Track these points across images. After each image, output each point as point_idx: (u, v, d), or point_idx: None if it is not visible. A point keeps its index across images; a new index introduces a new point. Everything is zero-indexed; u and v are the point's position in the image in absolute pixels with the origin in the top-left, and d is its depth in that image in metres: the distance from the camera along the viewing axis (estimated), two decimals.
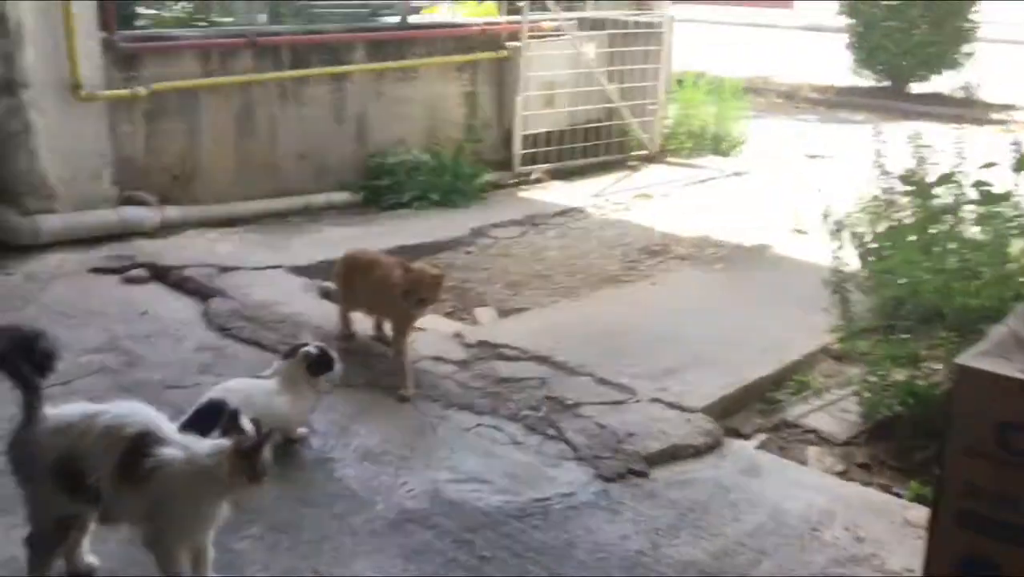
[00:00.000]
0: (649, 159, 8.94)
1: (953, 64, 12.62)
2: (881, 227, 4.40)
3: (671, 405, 3.81)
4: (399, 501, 3.16)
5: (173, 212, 5.93)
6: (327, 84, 6.87)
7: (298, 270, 5.17)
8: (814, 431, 3.91)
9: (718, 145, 9.51)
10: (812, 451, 3.77)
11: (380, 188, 7.04)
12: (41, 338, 2.59)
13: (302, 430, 3.51)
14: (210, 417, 3.11)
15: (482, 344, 4.31)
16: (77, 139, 5.46)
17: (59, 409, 2.59)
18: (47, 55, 5.20)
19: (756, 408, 4.09)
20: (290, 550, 2.87)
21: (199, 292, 4.80)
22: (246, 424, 2.66)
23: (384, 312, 4.21)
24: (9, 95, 5.00)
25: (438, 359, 4.17)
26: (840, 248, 4.70)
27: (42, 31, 5.15)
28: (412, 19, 8.25)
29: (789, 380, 4.26)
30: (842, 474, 3.59)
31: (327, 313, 4.53)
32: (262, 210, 6.41)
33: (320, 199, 6.79)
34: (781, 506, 3.21)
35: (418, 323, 4.34)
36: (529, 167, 8.05)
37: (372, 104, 7.21)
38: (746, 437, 3.84)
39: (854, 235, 4.60)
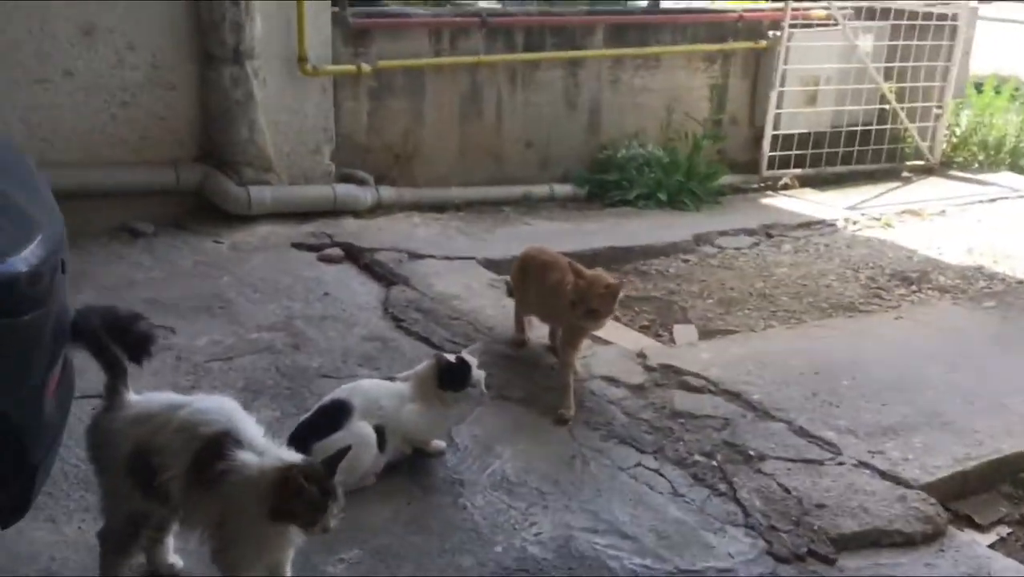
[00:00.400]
0: (927, 171, 7.81)
1: None
2: None
3: (883, 475, 3.06)
4: (522, 545, 2.71)
5: (387, 193, 5.83)
6: (560, 69, 6.51)
7: (490, 264, 4.85)
8: None
9: (1017, 161, 8.13)
10: None
11: (606, 183, 6.60)
12: (138, 321, 2.40)
13: (439, 444, 3.16)
14: (332, 417, 2.86)
15: (665, 368, 3.75)
16: (299, 113, 5.47)
17: (143, 396, 2.39)
18: (276, 27, 5.23)
19: (1003, 492, 3.22)
20: None
21: (385, 277, 4.62)
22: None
23: (555, 320, 3.78)
24: (235, 64, 5.06)
25: (610, 380, 3.66)
26: None
27: (274, 3, 5.18)
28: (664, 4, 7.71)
29: None
30: None
31: (508, 313, 4.16)
32: (479, 197, 6.19)
33: (541, 190, 6.47)
34: None
35: (597, 334, 3.88)
36: (778, 171, 7.25)
37: (607, 93, 6.76)
38: (981, 529, 3.01)
39: None
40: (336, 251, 4.91)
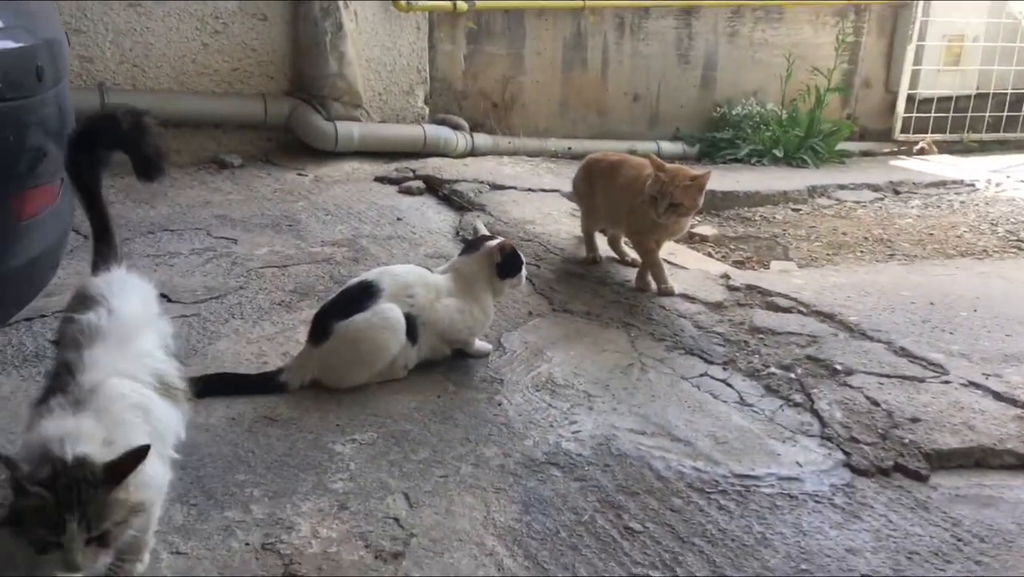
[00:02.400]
0: None
1: None
2: None
3: (998, 396, 2.57)
4: (556, 441, 2.39)
5: (483, 140, 5.62)
6: (672, 19, 6.15)
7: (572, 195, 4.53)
8: None
9: None
10: None
11: (719, 141, 6.18)
12: (148, 132, 2.09)
13: (484, 346, 2.87)
14: (357, 297, 2.63)
15: (749, 288, 3.34)
16: (392, 51, 5.34)
17: None
18: None
19: None
20: (393, 465, 2.25)
21: (462, 206, 4.38)
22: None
23: (627, 223, 3.43)
24: None
25: (685, 296, 3.29)
26: None
27: None
28: None
29: None
30: None
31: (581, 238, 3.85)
32: (580, 150, 5.86)
33: (648, 147, 6.09)
34: None
35: (676, 261, 3.53)
36: (913, 136, 6.63)
37: (724, 46, 6.35)
38: None
39: None
40: (417, 183, 4.72)
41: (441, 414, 2.51)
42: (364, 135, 5.20)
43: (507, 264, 2.78)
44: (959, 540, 2.01)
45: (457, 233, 4.05)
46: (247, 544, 1.91)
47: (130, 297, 1.94)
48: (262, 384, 2.57)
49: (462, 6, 5.44)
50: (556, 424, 2.48)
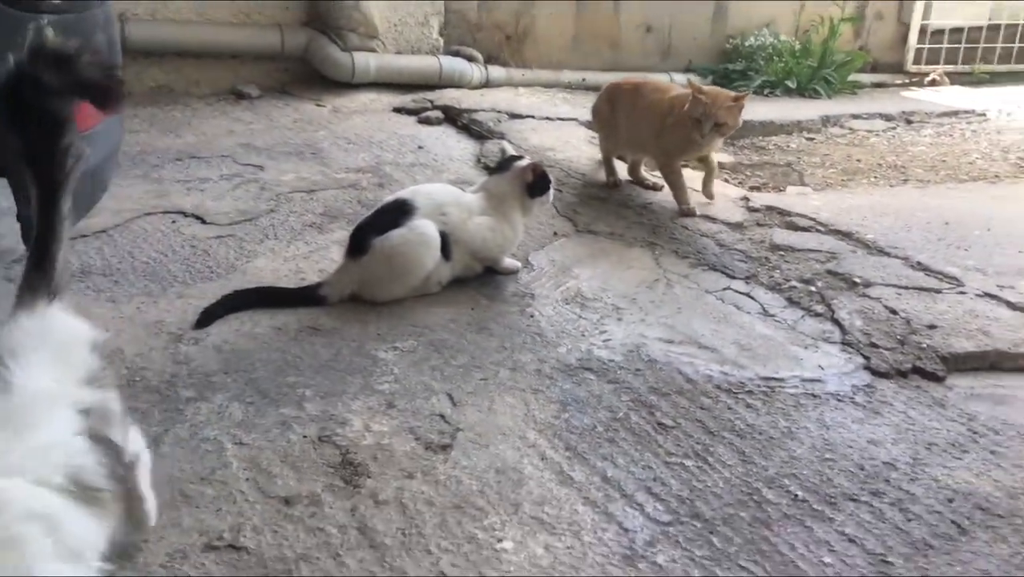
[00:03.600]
0: None
1: None
2: None
3: (1012, 305, 2.67)
4: (588, 348, 2.50)
5: (497, 72, 5.65)
6: None
7: (591, 124, 4.58)
8: None
9: None
10: None
11: (731, 72, 6.20)
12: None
13: (513, 263, 2.96)
14: (392, 215, 2.71)
15: (769, 209, 3.43)
16: None
17: None
18: None
19: None
20: (434, 370, 2.36)
21: (481, 135, 4.44)
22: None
23: (657, 145, 3.49)
24: None
25: (706, 217, 3.37)
26: None
27: None
28: None
29: None
30: None
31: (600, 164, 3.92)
32: (594, 82, 5.88)
33: (660, 79, 6.10)
34: None
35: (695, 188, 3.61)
36: (925, 67, 6.64)
37: None
38: None
39: None
40: (435, 113, 4.76)
41: (476, 325, 2.61)
42: (380, 66, 5.23)
43: (538, 184, 2.87)
44: (975, 432, 2.13)
45: (478, 160, 4.11)
46: (304, 436, 2.02)
47: (42, 362, 1.36)
48: (303, 297, 2.67)
49: None
50: (587, 333, 2.58)
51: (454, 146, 4.35)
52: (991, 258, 3.06)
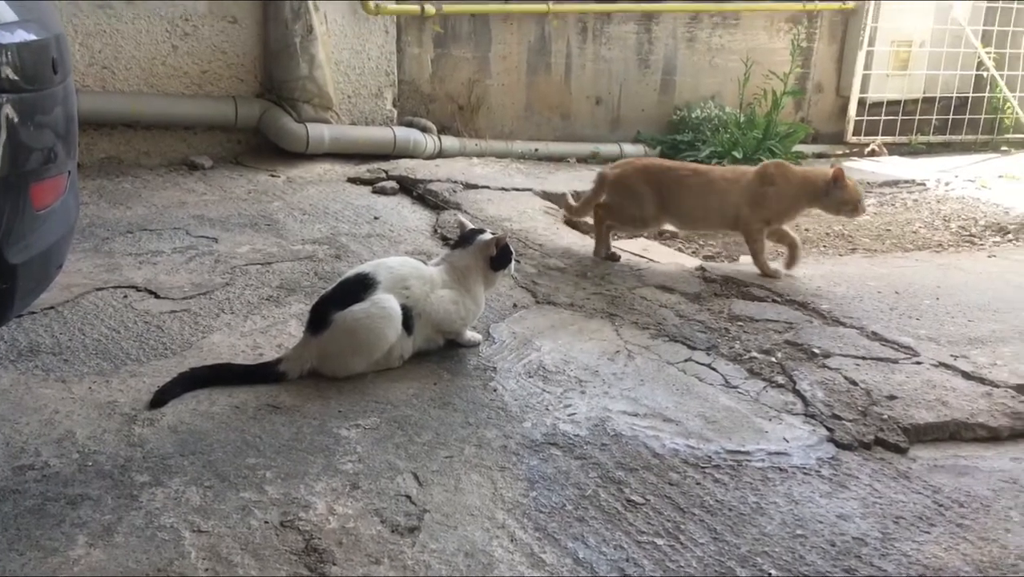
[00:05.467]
0: None
1: None
2: None
3: (965, 375, 2.72)
4: (553, 423, 2.47)
5: (450, 142, 5.69)
6: (633, 23, 6.30)
7: (547, 195, 4.66)
8: None
9: None
10: None
11: (679, 143, 6.33)
12: None
13: (474, 336, 2.94)
14: (354, 289, 2.68)
15: (725, 280, 3.47)
16: (361, 54, 5.39)
17: None
18: None
19: None
20: (399, 448, 2.31)
21: (437, 205, 4.45)
22: None
23: (748, 217, 3.63)
24: None
25: (664, 288, 3.40)
26: None
27: None
28: None
29: None
30: None
31: (559, 233, 3.95)
32: (546, 152, 6.00)
33: (610, 149, 6.24)
34: None
35: (651, 256, 3.65)
36: (864, 138, 6.86)
37: (683, 51, 6.51)
38: None
39: None
40: (390, 183, 4.77)
41: (439, 400, 2.58)
42: (335, 137, 5.24)
43: (501, 256, 2.87)
44: (940, 505, 2.14)
45: (435, 231, 4.11)
46: (266, 521, 1.95)
47: None
48: (261, 374, 2.61)
49: (429, 10, 5.51)
50: (551, 407, 2.56)
51: (410, 216, 4.35)
52: (943, 327, 3.12)
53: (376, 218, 4.28)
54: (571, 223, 4.36)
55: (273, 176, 4.93)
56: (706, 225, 3.86)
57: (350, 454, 2.27)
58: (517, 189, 4.72)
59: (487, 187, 4.71)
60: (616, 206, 3.79)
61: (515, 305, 3.29)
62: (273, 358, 2.68)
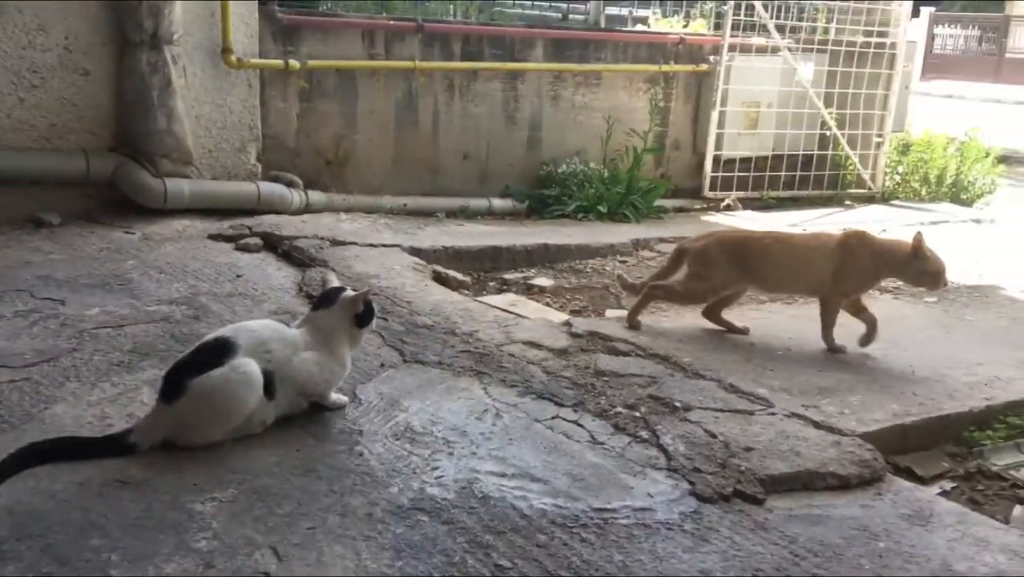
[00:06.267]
0: (869, 199, 7.81)
1: None
2: None
3: (817, 424, 2.84)
4: (420, 487, 2.43)
5: (317, 197, 5.61)
6: (499, 81, 6.41)
7: (415, 251, 4.64)
8: None
9: (958, 194, 8.18)
10: (1020, 511, 2.66)
11: (546, 197, 6.45)
12: None
13: (340, 398, 2.88)
14: (212, 354, 2.58)
15: (591, 335, 3.53)
16: (223, 107, 5.28)
17: None
18: (199, 14, 5.06)
19: (947, 451, 3.02)
20: (257, 521, 2.22)
21: (303, 263, 4.37)
22: None
23: (834, 286, 3.65)
24: (153, 49, 4.85)
25: (532, 344, 3.43)
26: None
27: None
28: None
29: (1000, 423, 3.14)
30: None
31: (428, 290, 3.94)
32: (415, 207, 5.98)
33: (479, 203, 6.29)
34: (952, 567, 2.19)
35: (519, 311, 3.69)
36: (720, 193, 7.17)
37: (548, 108, 6.66)
38: (922, 481, 2.79)
39: None
40: (254, 240, 4.65)
41: (302, 467, 2.50)
42: (195, 192, 5.09)
43: (367, 313, 2.83)
44: (796, 556, 2.21)
45: (300, 289, 4.03)
46: None
47: None
48: (109, 446, 2.47)
49: (294, 65, 5.46)
50: (419, 471, 2.52)
51: (274, 274, 4.25)
52: (794, 378, 3.26)
53: (239, 276, 4.16)
54: (441, 278, 4.36)
55: (128, 233, 4.73)
56: (790, 290, 3.88)
57: (205, 530, 2.16)
58: (385, 245, 4.68)
59: (355, 243, 4.66)
60: (695, 277, 3.80)
61: (382, 364, 3.24)
62: (123, 429, 2.54)
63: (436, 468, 2.54)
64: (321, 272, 4.11)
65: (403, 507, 2.33)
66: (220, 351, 2.59)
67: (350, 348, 2.83)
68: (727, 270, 3.74)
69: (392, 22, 6.07)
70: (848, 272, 3.59)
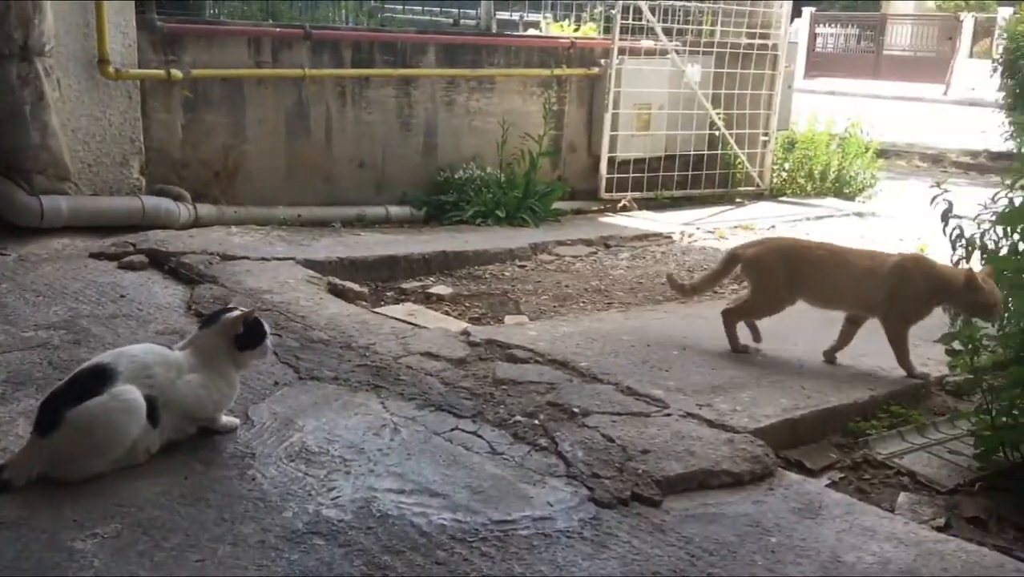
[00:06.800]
0: (758, 196, 8.04)
1: None
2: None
3: (711, 423, 2.89)
4: (316, 509, 2.37)
5: (207, 210, 5.45)
6: (392, 88, 6.34)
7: (310, 263, 4.55)
8: (910, 474, 2.91)
9: (842, 188, 8.50)
10: (904, 498, 2.76)
11: (444, 204, 6.42)
12: None
13: (230, 421, 2.78)
14: (91, 382, 2.46)
15: (489, 343, 3.52)
16: (102, 120, 5.07)
17: None
18: (72, 24, 4.85)
19: (834, 442, 3.12)
20: (142, 556, 2.12)
21: (191, 279, 4.22)
22: None
23: (896, 311, 3.53)
24: (23, 61, 4.62)
25: (429, 355, 3.40)
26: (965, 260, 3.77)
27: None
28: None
29: (883, 412, 3.26)
30: (943, 529, 2.57)
31: (321, 302, 3.86)
32: (309, 217, 5.86)
33: (376, 212, 6.21)
34: (841, 558, 2.25)
35: (416, 321, 3.66)
36: (616, 194, 7.27)
37: (443, 114, 6.63)
38: (812, 473, 2.87)
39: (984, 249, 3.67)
40: (139, 257, 4.47)
41: (191, 496, 2.41)
42: (74, 209, 4.87)
43: (249, 335, 2.73)
44: (692, 556, 2.24)
45: (189, 307, 3.89)
46: None
47: None
48: None
49: (176, 74, 5.29)
50: (314, 492, 2.46)
51: (161, 293, 4.10)
52: (689, 377, 3.32)
53: (122, 296, 4.00)
54: (337, 290, 4.28)
55: (2, 254, 4.49)
56: (839, 306, 3.73)
57: (86, 569, 2.06)
58: (278, 259, 4.57)
59: (246, 257, 4.53)
60: (759, 290, 3.71)
61: (276, 383, 3.16)
62: None
63: (332, 489, 2.48)
64: (210, 288, 3.98)
65: (298, 532, 2.27)
66: (99, 378, 2.48)
67: (237, 370, 2.74)
68: (778, 280, 3.66)
69: (279, 29, 5.95)
70: (901, 296, 3.50)
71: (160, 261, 4.46)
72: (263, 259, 4.54)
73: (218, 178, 5.70)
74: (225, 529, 2.26)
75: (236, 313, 2.74)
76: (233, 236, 5.02)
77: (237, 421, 2.81)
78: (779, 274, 3.66)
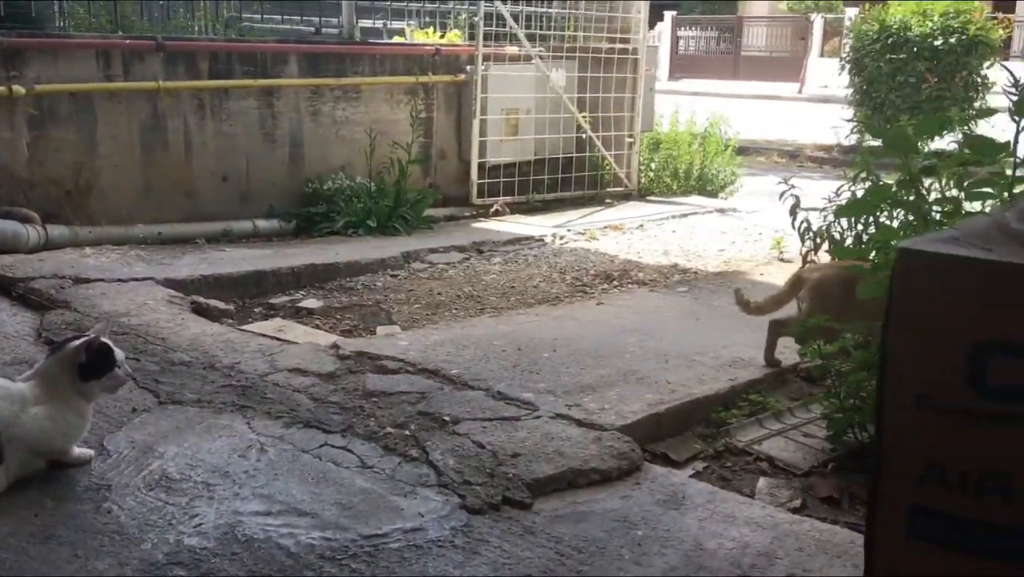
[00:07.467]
0: (626, 196, 8.24)
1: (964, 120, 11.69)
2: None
3: (579, 423, 2.95)
4: (177, 539, 2.29)
5: (59, 232, 5.20)
6: (254, 99, 6.20)
7: (171, 283, 4.40)
8: (769, 459, 3.03)
9: (704, 186, 8.80)
10: (763, 482, 2.88)
11: (314, 215, 6.32)
12: None
13: (83, 452, 2.66)
14: None
15: (359, 355, 3.48)
16: None
17: None
18: None
19: (698, 433, 3.23)
20: None
21: (43, 305, 4.02)
22: None
23: None
24: None
25: (297, 371, 3.33)
26: (814, 251, 3.96)
27: None
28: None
29: (743, 401, 3.39)
30: (799, 510, 2.69)
31: (183, 323, 3.74)
32: (171, 235, 5.67)
33: (243, 226, 6.05)
34: (703, 545, 2.33)
35: (285, 337, 3.57)
36: (488, 199, 7.32)
37: (308, 124, 6.52)
38: (677, 465, 2.96)
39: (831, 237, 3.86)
40: None
41: (41, 535, 2.29)
42: None
43: (95, 363, 2.59)
44: (562, 556, 2.28)
45: (39, 335, 3.70)
46: None
47: None
48: None
49: (19, 90, 5.03)
50: (175, 521, 2.38)
51: (8, 321, 3.88)
52: (559, 378, 3.37)
53: None
54: (201, 309, 4.16)
55: None
56: None
57: None
58: (137, 279, 4.40)
59: (101, 280, 4.34)
60: (813, 312, 3.49)
61: (134, 409, 3.04)
62: None
63: (195, 516, 2.41)
64: (61, 314, 3.80)
65: (158, 563, 2.19)
66: None
67: (87, 400, 2.62)
68: (840, 304, 3.49)
69: (129, 41, 5.73)
70: None
71: (7, 288, 4.22)
72: (120, 280, 4.36)
73: (70, 197, 5.44)
74: (79, 566, 2.16)
75: (80, 341, 2.62)
76: (87, 258, 4.80)
77: (91, 452, 2.69)
78: (838, 298, 3.59)
